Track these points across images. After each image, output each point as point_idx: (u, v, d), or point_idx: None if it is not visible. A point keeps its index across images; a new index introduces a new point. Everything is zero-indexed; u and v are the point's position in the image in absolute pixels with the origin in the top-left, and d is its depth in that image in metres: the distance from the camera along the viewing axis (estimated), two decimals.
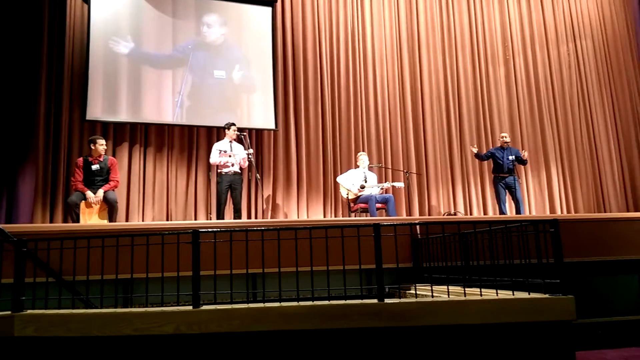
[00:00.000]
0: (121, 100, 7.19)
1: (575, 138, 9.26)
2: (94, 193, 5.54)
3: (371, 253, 2.61)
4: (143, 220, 7.05)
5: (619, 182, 9.17)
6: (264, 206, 7.69)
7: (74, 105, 7.09)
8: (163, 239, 2.71)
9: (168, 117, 7.36)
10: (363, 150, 7.91)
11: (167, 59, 7.50)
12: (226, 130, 6.67)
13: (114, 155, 6.92)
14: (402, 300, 2.67)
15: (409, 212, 8.16)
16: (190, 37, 7.67)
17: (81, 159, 5.82)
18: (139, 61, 7.36)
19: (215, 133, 7.58)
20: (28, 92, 6.68)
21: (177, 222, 6.80)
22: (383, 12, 8.82)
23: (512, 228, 2.79)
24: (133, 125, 7.30)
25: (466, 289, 2.71)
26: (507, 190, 7.39)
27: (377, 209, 6.62)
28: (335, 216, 7.94)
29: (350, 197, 6.94)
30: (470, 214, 8.51)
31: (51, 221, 6.65)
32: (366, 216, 6.70)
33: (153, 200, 7.23)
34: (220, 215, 6.36)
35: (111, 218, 5.63)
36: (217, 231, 2.81)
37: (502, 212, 7.37)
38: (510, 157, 7.34)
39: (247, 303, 2.62)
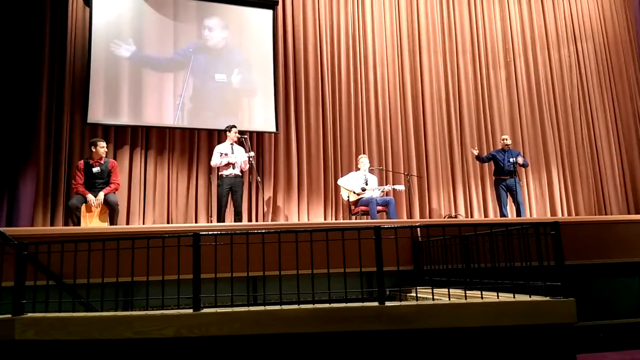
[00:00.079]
0: (122, 103, 7.20)
1: (576, 140, 9.25)
2: (95, 196, 5.54)
3: (372, 256, 2.61)
4: (144, 223, 7.05)
5: (620, 184, 9.16)
6: (265, 209, 7.70)
7: (75, 108, 7.10)
8: (164, 242, 2.71)
9: (169, 120, 7.37)
10: (364, 153, 7.92)
11: (168, 62, 7.51)
12: (227, 132, 6.67)
13: (115, 158, 6.93)
14: (403, 303, 2.67)
15: (410, 214, 8.15)
16: (191, 40, 7.69)
17: (82, 161, 5.83)
18: (140, 64, 7.37)
19: (216, 136, 7.58)
20: (29, 95, 6.70)
21: (177, 225, 6.81)
22: (384, 15, 8.84)
23: (513, 230, 2.79)
24: (134, 128, 7.30)
25: (467, 291, 2.70)
26: (508, 193, 7.39)
27: (378, 211, 6.63)
28: (336, 219, 7.94)
29: (351, 200, 6.94)
30: (471, 217, 8.50)
31: (52, 224, 6.65)
32: (367, 219, 6.70)
33: (154, 203, 7.23)
34: (221, 218, 6.36)
35: (112, 221, 5.64)
36: (218, 234, 2.81)
37: (503, 214, 7.36)
38: (511, 160, 7.34)
39: (248, 306, 2.61)
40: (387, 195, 7.23)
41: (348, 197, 6.96)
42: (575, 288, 2.61)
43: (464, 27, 9.20)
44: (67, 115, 7.04)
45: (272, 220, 7.63)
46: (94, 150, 5.79)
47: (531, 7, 9.57)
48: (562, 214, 8.83)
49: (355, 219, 6.91)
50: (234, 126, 6.71)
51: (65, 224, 6.59)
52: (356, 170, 7.25)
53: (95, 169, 5.69)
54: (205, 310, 2.51)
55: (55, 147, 6.90)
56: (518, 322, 2.47)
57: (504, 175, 7.39)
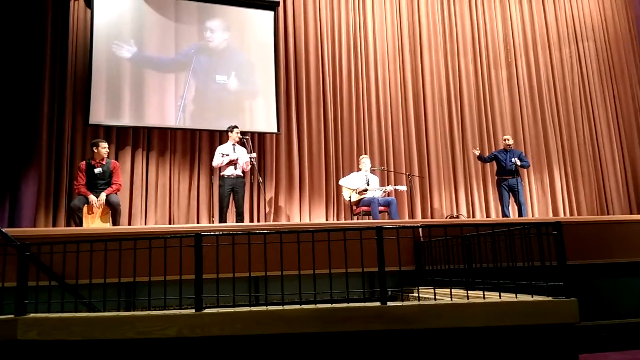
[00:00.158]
0: (124, 104, 7.21)
1: (578, 140, 9.24)
2: (97, 197, 5.55)
3: (374, 256, 2.61)
4: (146, 224, 7.06)
5: (622, 184, 9.15)
6: (267, 209, 7.70)
7: (77, 110, 7.11)
8: (165, 242, 2.71)
9: (171, 121, 7.38)
10: (365, 153, 7.91)
11: (169, 64, 7.52)
12: (229, 133, 6.67)
13: (116, 159, 6.93)
14: (405, 303, 2.67)
15: (412, 215, 8.15)
16: (193, 41, 7.70)
17: (84, 162, 5.83)
18: (142, 65, 7.38)
19: (218, 137, 7.59)
20: (31, 96, 6.71)
21: (179, 225, 6.81)
22: (385, 16, 8.84)
23: (515, 231, 2.78)
24: (136, 129, 7.31)
25: (469, 291, 2.70)
26: (510, 193, 7.38)
27: (380, 211, 6.62)
28: (337, 219, 7.94)
29: (352, 200, 6.94)
30: (473, 217, 8.50)
31: (54, 225, 6.66)
32: (369, 219, 6.69)
33: (155, 204, 7.24)
34: (222, 219, 6.36)
35: (114, 222, 5.64)
36: (220, 234, 2.81)
37: (504, 214, 7.36)
38: (512, 160, 7.33)
39: (250, 306, 2.62)
40: (388, 196, 7.22)
41: (349, 197, 6.96)
42: (578, 288, 2.60)
43: (465, 27, 9.19)
44: (69, 116, 7.05)
45: (273, 221, 7.63)
46: (95, 151, 5.79)
47: (532, 7, 9.56)
48: (564, 214, 8.82)
49: (357, 219, 6.91)
50: (236, 127, 6.72)
51: (68, 224, 6.60)
52: (357, 171, 7.25)
53: (97, 170, 5.69)
54: (207, 310, 2.51)
55: (57, 148, 6.91)
56: (520, 322, 2.47)
57: (506, 175, 7.38)
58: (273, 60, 7.98)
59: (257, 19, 8.07)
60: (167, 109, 7.39)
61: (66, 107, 7.04)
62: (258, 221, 7.54)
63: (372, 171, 7.28)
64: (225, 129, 6.91)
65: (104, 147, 5.82)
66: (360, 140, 8.33)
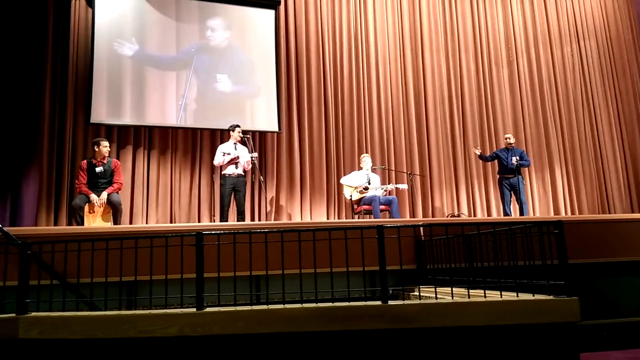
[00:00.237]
0: (125, 103, 7.22)
1: (580, 139, 9.23)
2: (98, 196, 5.56)
3: (375, 255, 2.61)
4: (147, 223, 7.07)
5: (624, 182, 9.14)
6: (268, 208, 7.70)
7: (78, 108, 7.12)
8: (167, 241, 2.71)
9: (172, 120, 7.38)
10: (366, 152, 7.91)
11: (171, 62, 7.52)
12: (231, 132, 6.68)
13: (117, 158, 6.94)
14: (406, 302, 2.67)
15: (413, 213, 8.15)
16: (194, 40, 7.70)
17: (85, 161, 5.84)
18: (143, 64, 7.39)
19: (219, 136, 7.59)
20: (32, 95, 6.72)
21: (180, 224, 6.82)
22: (386, 14, 8.83)
23: (516, 230, 2.78)
24: (137, 128, 7.32)
25: (470, 290, 2.70)
26: (511, 192, 7.38)
27: (381, 210, 6.62)
28: (338, 218, 7.94)
29: (353, 199, 6.94)
30: (474, 216, 8.50)
31: (55, 224, 6.67)
32: (370, 218, 6.69)
33: (157, 203, 7.25)
34: (223, 218, 6.36)
35: (115, 221, 5.65)
36: (221, 233, 2.81)
37: (506, 213, 7.35)
38: (512, 159, 7.33)
39: (251, 305, 2.62)
40: (389, 195, 7.22)
41: (351, 196, 6.95)
42: (579, 287, 2.60)
43: (467, 26, 9.18)
44: (70, 115, 7.06)
45: (274, 220, 7.64)
46: (96, 150, 5.80)
47: (533, 5, 9.55)
48: (566, 213, 8.81)
49: (358, 218, 6.91)
50: (238, 125, 6.72)
51: (69, 223, 6.61)
52: (359, 170, 7.25)
53: (98, 169, 5.70)
54: (208, 309, 2.51)
55: (58, 147, 6.92)
56: (521, 321, 2.46)
57: (507, 174, 7.38)
58: (274, 59, 7.98)
59: (258, 17, 8.07)
60: (168, 108, 7.40)
61: (67, 106, 7.04)
62: (259, 220, 7.54)
63: (373, 170, 7.28)
64: (226, 127, 6.91)
65: (105, 146, 5.82)
66: (362, 139, 8.33)
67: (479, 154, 7.73)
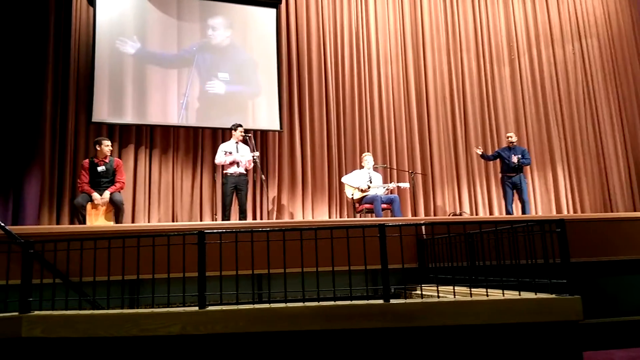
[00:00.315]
0: (127, 102, 7.22)
1: (581, 137, 9.22)
2: (100, 195, 5.57)
3: (377, 253, 2.61)
4: (149, 222, 7.08)
5: (626, 181, 9.12)
6: (269, 207, 7.70)
7: (80, 107, 7.13)
8: (169, 240, 2.72)
9: (173, 118, 7.39)
10: (368, 151, 7.91)
11: (172, 61, 7.53)
12: (233, 131, 6.68)
13: (119, 157, 6.95)
14: (408, 300, 2.67)
15: (415, 212, 8.14)
16: (195, 39, 7.70)
17: (87, 160, 5.84)
18: (145, 63, 7.39)
19: (221, 134, 7.59)
20: (34, 94, 6.73)
21: (182, 223, 6.82)
22: (387, 13, 8.82)
23: (519, 228, 2.78)
24: (139, 127, 7.32)
25: (472, 289, 2.70)
26: (514, 190, 7.37)
27: (383, 209, 6.62)
28: (340, 217, 7.94)
29: (355, 198, 6.94)
30: (476, 214, 8.49)
31: (58, 223, 6.68)
32: (371, 216, 6.69)
33: (159, 202, 7.26)
34: (225, 217, 6.37)
35: (117, 219, 5.65)
36: (223, 232, 2.81)
37: (508, 212, 7.35)
38: (513, 158, 7.31)
39: (253, 304, 2.62)
40: (391, 193, 7.22)
41: (352, 195, 6.96)
42: (581, 285, 2.60)
43: (468, 25, 9.17)
44: (72, 114, 7.06)
45: (276, 219, 7.64)
46: (98, 149, 5.80)
47: (535, 4, 9.53)
48: (568, 211, 8.80)
49: (360, 216, 6.91)
50: (240, 125, 6.71)
51: (71, 222, 6.62)
52: (360, 168, 7.25)
53: (101, 168, 5.70)
54: (210, 307, 2.51)
55: (60, 146, 6.93)
56: (523, 320, 2.46)
57: (509, 172, 7.37)
58: (275, 57, 7.97)
59: (260, 16, 8.06)
60: (170, 107, 7.40)
61: (69, 105, 7.05)
62: (261, 219, 7.54)
63: (375, 169, 7.28)
64: (227, 126, 6.91)
65: (107, 145, 5.83)
66: (363, 138, 8.32)
67: (480, 153, 7.72)
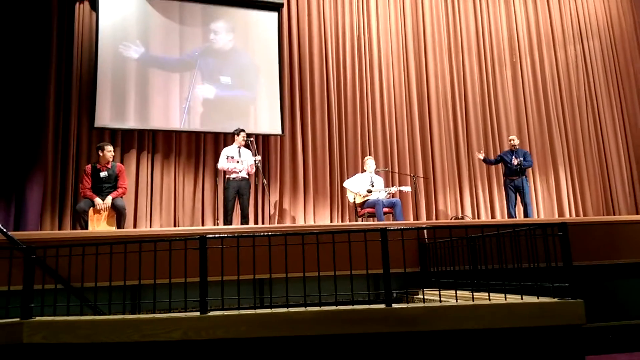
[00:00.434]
0: (129, 107, 7.23)
1: (584, 140, 9.20)
2: (102, 200, 5.57)
3: (378, 258, 2.60)
4: (151, 227, 7.08)
5: (628, 184, 9.10)
6: (271, 212, 7.70)
7: (83, 113, 7.14)
8: (171, 245, 2.72)
9: (175, 123, 7.40)
10: (370, 155, 7.91)
11: (174, 66, 7.54)
12: (235, 136, 6.68)
13: (122, 162, 6.96)
14: (410, 305, 2.66)
15: (416, 216, 8.13)
16: (197, 43, 7.72)
17: (89, 166, 5.86)
18: (146, 68, 7.41)
19: (222, 139, 7.60)
20: (37, 99, 6.73)
21: (184, 228, 6.82)
22: (389, 16, 8.83)
23: (521, 232, 2.77)
24: (141, 132, 7.34)
25: (474, 293, 2.69)
26: (516, 193, 7.36)
27: (384, 213, 6.61)
28: (342, 221, 7.93)
29: (357, 202, 6.93)
30: (478, 218, 8.47)
31: (60, 228, 6.69)
32: (373, 221, 6.68)
33: (161, 207, 7.26)
34: (227, 221, 6.37)
35: (119, 225, 5.66)
36: (225, 237, 2.81)
37: (510, 215, 7.34)
38: (514, 161, 7.30)
39: (255, 309, 2.61)
40: (393, 197, 7.21)
41: (354, 199, 6.95)
42: (584, 289, 2.59)
43: (470, 27, 9.17)
44: (74, 119, 7.08)
45: (278, 223, 7.64)
46: (101, 154, 5.81)
47: (537, 6, 9.53)
48: (570, 215, 8.78)
49: (362, 220, 6.91)
50: (243, 130, 6.72)
51: (73, 227, 6.63)
52: (362, 172, 7.25)
53: (103, 173, 5.71)
54: (212, 313, 2.51)
55: (62, 152, 6.95)
56: (526, 324, 2.45)
57: (512, 175, 7.37)
58: (277, 61, 7.98)
59: (261, 20, 8.08)
60: (172, 112, 7.41)
61: (71, 110, 7.07)
62: (263, 223, 7.54)
63: (377, 172, 7.28)
64: (229, 131, 6.92)
65: (109, 151, 5.83)
66: (365, 142, 8.32)
67: (482, 158, 7.72)
